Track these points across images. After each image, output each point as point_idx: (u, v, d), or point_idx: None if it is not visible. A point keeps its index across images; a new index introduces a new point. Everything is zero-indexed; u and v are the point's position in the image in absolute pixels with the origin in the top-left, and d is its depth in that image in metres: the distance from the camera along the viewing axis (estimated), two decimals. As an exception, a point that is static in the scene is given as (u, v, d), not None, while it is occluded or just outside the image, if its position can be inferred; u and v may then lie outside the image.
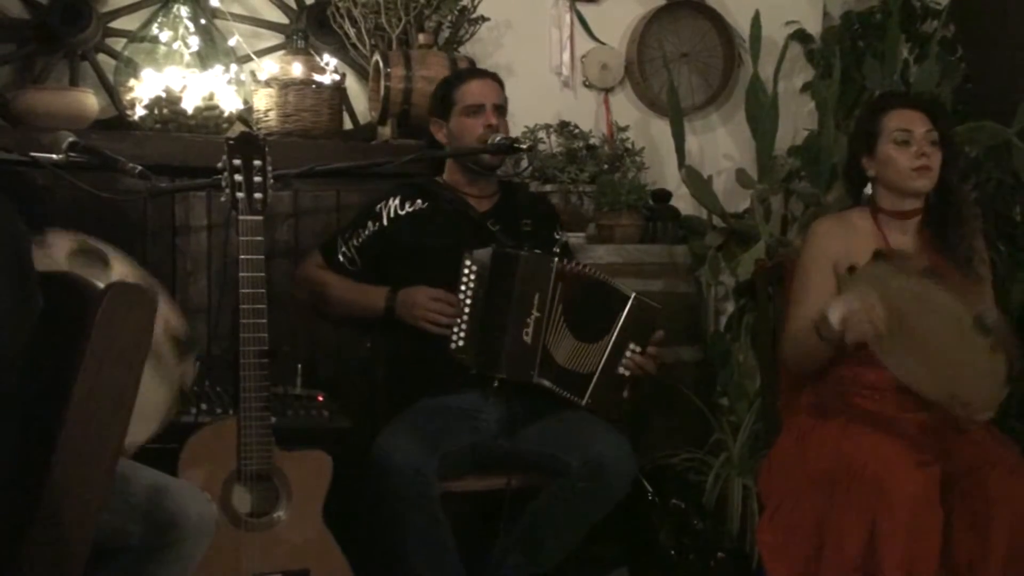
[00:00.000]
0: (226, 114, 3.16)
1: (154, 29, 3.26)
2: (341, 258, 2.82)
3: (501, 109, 2.86)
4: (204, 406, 2.51)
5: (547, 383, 2.66)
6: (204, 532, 1.98)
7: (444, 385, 2.71)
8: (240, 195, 2.39)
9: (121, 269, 2.06)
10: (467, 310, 2.68)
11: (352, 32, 3.36)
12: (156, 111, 3.08)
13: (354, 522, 2.53)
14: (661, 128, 3.88)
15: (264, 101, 3.23)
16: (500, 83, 2.92)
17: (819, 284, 2.52)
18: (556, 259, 2.70)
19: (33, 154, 2.51)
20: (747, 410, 3.35)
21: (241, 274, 2.37)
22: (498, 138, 2.79)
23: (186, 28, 3.25)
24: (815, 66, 4.01)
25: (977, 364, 2.32)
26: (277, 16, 3.49)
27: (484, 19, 3.52)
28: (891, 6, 3.65)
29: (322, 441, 2.50)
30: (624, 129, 3.82)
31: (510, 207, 2.90)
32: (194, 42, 3.25)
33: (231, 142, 2.43)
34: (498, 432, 2.70)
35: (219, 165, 2.42)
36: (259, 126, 3.23)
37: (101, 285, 1.33)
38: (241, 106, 3.25)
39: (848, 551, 2.25)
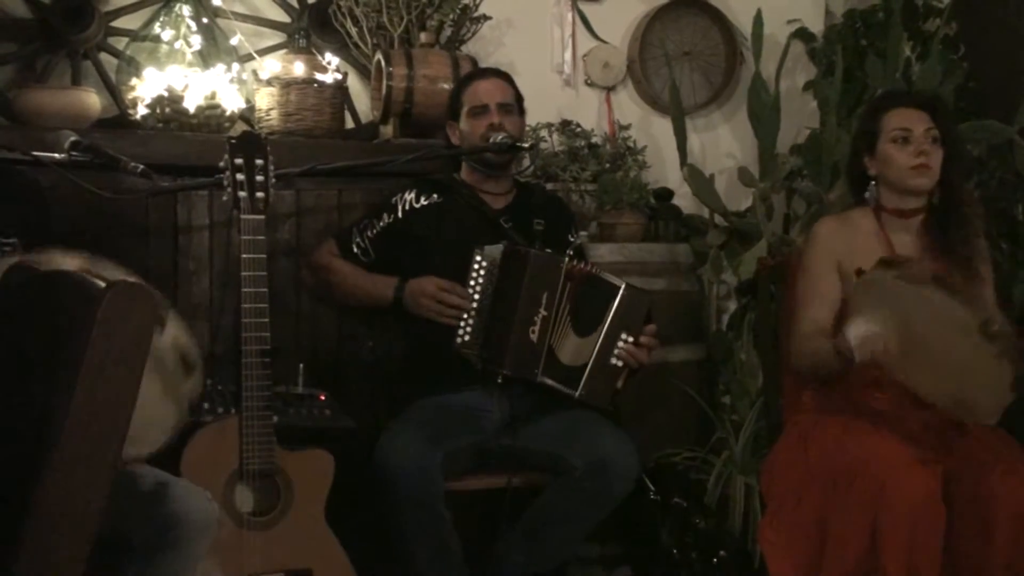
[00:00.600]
0: (228, 113, 3.16)
1: (156, 28, 3.26)
2: (355, 248, 2.84)
3: (508, 107, 2.86)
4: (206, 405, 2.51)
5: (549, 381, 2.66)
6: (206, 531, 1.98)
7: (446, 384, 2.71)
8: (242, 194, 2.39)
9: None
10: (475, 305, 2.68)
11: (354, 31, 3.36)
12: (158, 110, 3.08)
13: (356, 521, 2.52)
14: (663, 127, 3.87)
15: (266, 100, 3.23)
16: (508, 80, 2.92)
17: (825, 285, 2.53)
18: (566, 259, 2.70)
19: (35, 153, 2.51)
20: (749, 409, 3.35)
21: (243, 273, 2.37)
22: (499, 137, 2.79)
23: (188, 27, 3.25)
24: (817, 64, 4.01)
25: (983, 371, 2.32)
26: (279, 15, 3.48)
27: (486, 18, 3.52)
28: (893, 4, 3.65)
29: (324, 440, 2.51)
30: (626, 128, 3.81)
31: (524, 206, 2.90)
32: (196, 41, 3.25)
33: (233, 141, 2.43)
34: (501, 431, 2.70)
35: (221, 164, 2.43)
36: (261, 125, 3.23)
37: (102, 284, 1.32)
38: (243, 105, 3.25)
39: (850, 549, 2.24)
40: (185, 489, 2.01)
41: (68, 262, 1.84)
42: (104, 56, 3.27)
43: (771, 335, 2.79)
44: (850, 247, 2.55)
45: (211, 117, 3.12)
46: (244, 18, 3.43)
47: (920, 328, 2.31)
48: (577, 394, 2.66)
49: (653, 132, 3.94)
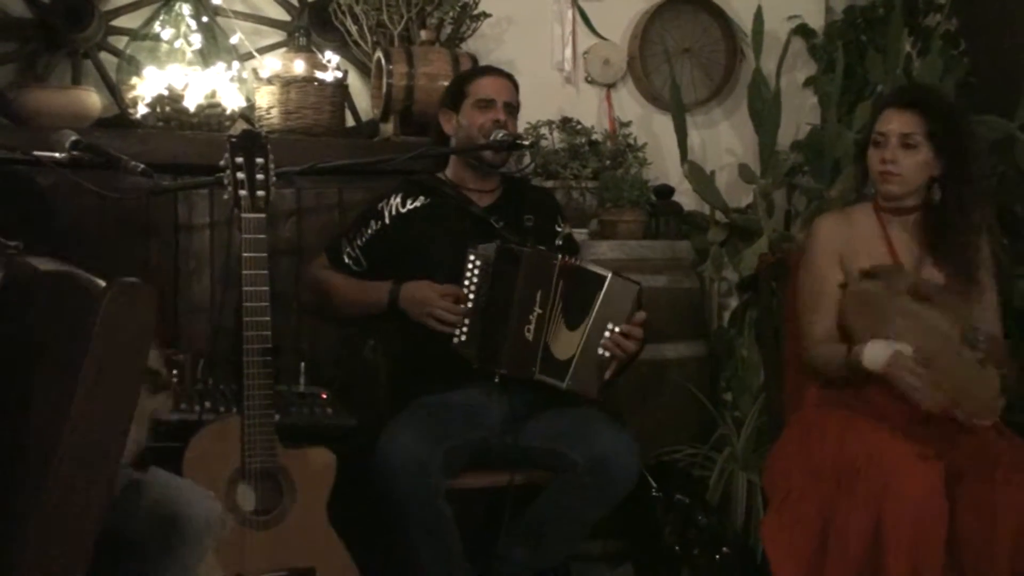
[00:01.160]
0: (228, 112, 3.16)
1: (156, 27, 3.26)
2: (346, 258, 2.82)
3: (512, 108, 2.86)
4: (208, 404, 2.52)
5: (547, 379, 2.66)
6: (209, 531, 1.98)
7: (447, 382, 2.71)
8: (243, 193, 2.39)
9: None
10: (470, 305, 2.67)
11: (354, 29, 3.36)
12: (158, 109, 3.08)
13: (358, 519, 2.52)
14: (663, 123, 3.87)
15: (266, 98, 3.23)
16: (515, 85, 2.91)
17: (831, 285, 2.53)
18: (559, 256, 2.69)
19: (36, 153, 2.51)
20: (751, 405, 3.35)
21: (244, 272, 2.37)
22: (501, 134, 2.78)
23: (188, 26, 3.25)
24: (817, 61, 4.01)
25: (969, 378, 2.38)
26: (279, 13, 3.49)
27: (486, 15, 3.52)
28: (894, 0, 3.65)
29: (326, 439, 2.51)
30: (626, 125, 3.81)
31: (512, 202, 2.89)
32: (196, 40, 3.25)
33: (233, 140, 2.43)
34: (501, 428, 2.69)
35: (222, 163, 2.42)
36: (261, 123, 3.23)
37: (102, 284, 1.32)
38: (243, 104, 3.25)
39: (853, 545, 2.24)
40: (188, 489, 2.01)
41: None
42: (104, 55, 3.27)
43: (772, 331, 2.79)
44: (850, 243, 2.55)
45: (211, 116, 3.12)
46: (244, 16, 3.43)
47: (907, 337, 2.36)
48: (564, 385, 2.65)
49: (654, 129, 3.94)
